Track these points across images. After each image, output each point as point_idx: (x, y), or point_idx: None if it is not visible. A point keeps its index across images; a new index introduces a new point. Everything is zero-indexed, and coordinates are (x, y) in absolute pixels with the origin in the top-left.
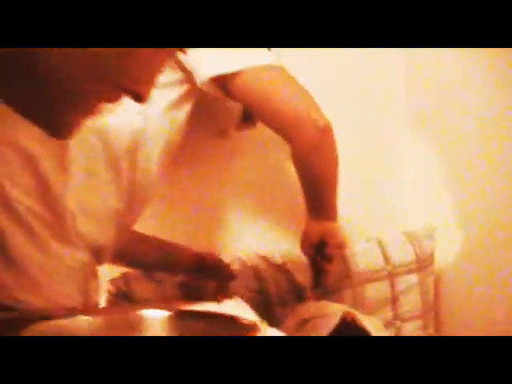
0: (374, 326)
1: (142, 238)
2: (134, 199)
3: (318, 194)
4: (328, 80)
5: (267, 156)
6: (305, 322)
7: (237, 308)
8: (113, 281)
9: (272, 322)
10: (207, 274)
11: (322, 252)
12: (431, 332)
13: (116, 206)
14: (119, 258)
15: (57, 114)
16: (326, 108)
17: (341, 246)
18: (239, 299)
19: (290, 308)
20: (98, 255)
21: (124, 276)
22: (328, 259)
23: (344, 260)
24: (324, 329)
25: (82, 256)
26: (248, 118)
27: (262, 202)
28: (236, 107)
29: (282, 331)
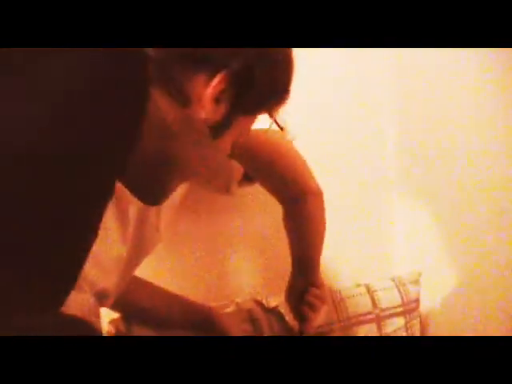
0: None
1: (140, 284)
2: (137, 247)
3: (304, 253)
4: (315, 127)
5: (266, 210)
6: None
7: None
8: (112, 322)
9: None
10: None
11: (305, 301)
12: None
13: (120, 253)
14: (118, 302)
15: (159, 186)
16: (316, 155)
17: (322, 299)
18: None
19: None
20: (100, 298)
21: (124, 318)
22: (311, 307)
23: (333, 306)
24: None
25: (88, 298)
26: (249, 176)
27: (259, 253)
28: (238, 166)
29: None
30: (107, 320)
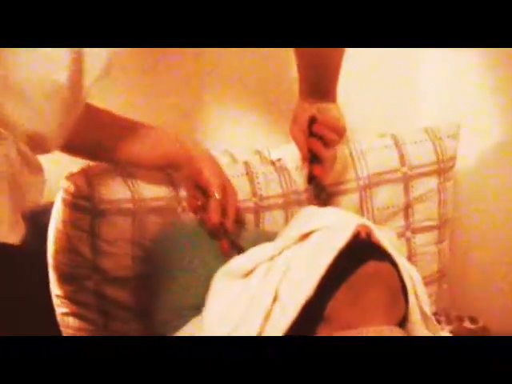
0: (391, 243)
1: (104, 118)
2: (82, 71)
3: (317, 71)
4: None
5: None
6: (307, 235)
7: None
8: (71, 177)
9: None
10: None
11: (315, 133)
12: (444, 246)
13: (55, 84)
14: (73, 144)
15: None
16: None
17: (339, 130)
18: None
19: (287, 213)
20: (37, 144)
21: (85, 171)
22: (323, 141)
23: (351, 160)
24: (332, 244)
25: (9, 147)
26: None
27: (259, 96)
28: None
29: (280, 244)
30: (64, 175)
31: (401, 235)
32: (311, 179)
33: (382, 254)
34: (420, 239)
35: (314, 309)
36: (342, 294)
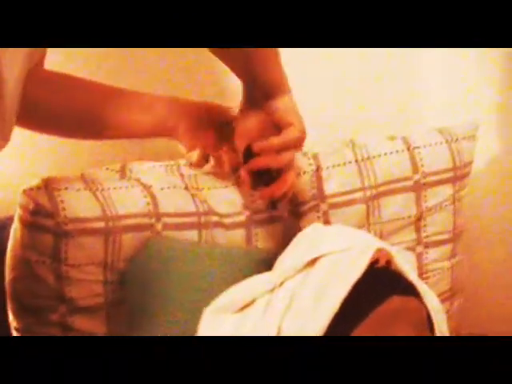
0: (415, 272)
1: (77, 84)
2: None
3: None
4: None
5: None
6: (313, 262)
7: None
8: (29, 192)
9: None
10: None
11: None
12: (458, 260)
13: None
14: (44, 120)
15: None
16: None
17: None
18: None
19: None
20: None
21: (46, 184)
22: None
23: (356, 167)
24: (345, 274)
25: None
26: None
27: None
28: None
29: (280, 273)
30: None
31: (411, 250)
32: (274, 203)
33: (405, 286)
34: (433, 254)
35: None
36: (360, 332)
